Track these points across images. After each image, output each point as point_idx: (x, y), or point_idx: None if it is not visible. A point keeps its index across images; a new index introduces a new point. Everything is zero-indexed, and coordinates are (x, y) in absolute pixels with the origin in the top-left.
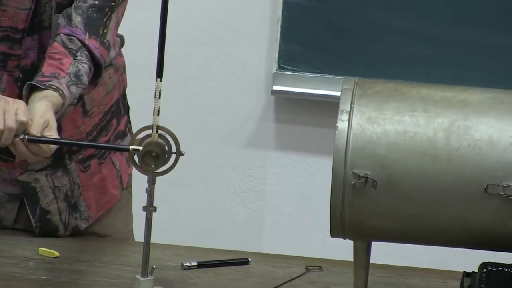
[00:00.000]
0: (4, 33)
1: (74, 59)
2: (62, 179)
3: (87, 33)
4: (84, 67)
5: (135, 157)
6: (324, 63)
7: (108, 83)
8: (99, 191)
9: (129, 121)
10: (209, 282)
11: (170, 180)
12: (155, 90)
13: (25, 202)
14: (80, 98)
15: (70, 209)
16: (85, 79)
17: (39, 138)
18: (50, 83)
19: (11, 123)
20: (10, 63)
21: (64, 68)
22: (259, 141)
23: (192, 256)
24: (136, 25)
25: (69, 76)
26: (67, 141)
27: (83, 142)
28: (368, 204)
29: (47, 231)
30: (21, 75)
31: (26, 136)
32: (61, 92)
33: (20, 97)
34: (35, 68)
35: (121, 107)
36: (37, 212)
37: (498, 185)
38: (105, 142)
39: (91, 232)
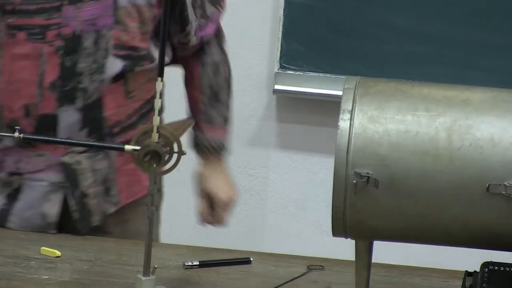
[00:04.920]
0: (38, 5)
1: None
2: (101, 162)
3: None
4: None
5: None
6: (326, 62)
7: (149, 71)
8: (133, 179)
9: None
10: (211, 281)
11: (171, 179)
12: (156, 90)
13: (66, 184)
14: (123, 75)
15: (103, 192)
16: None
17: (35, 137)
18: None
19: None
20: (49, 34)
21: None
22: (261, 140)
23: (194, 255)
24: None
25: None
26: (66, 140)
27: (82, 142)
28: (370, 204)
29: (84, 216)
30: (62, 44)
31: (22, 134)
32: None
33: (61, 66)
34: (77, 38)
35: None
36: (76, 195)
37: (500, 184)
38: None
39: (117, 221)
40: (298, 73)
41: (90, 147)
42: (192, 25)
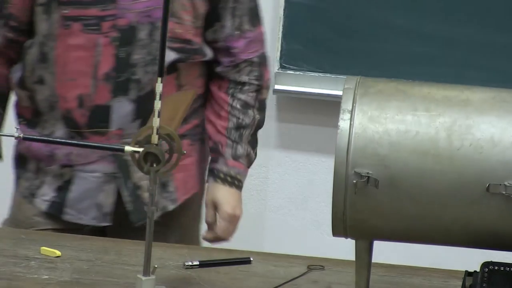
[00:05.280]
0: None
1: None
2: None
3: None
4: None
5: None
6: (326, 62)
7: (201, 66)
8: (188, 174)
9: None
10: (211, 281)
11: None
12: (156, 91)
13: (119, 175)
14: (175, 67)
15: (160, 187)
16: None
17: (35, 137)
18: None
19: None
20: (104, 25)
21: None
22: (261, 140)
23: (194, 255)
24: None
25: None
26: (66, 141)
27: (82, 142)
28: (370, 204)
29: (138, 208)
30: (117, 35)
31: (22, 134)
32: None
33: (116, 57)
34: (132, 29)
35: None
36: (129, 186)
37: (500, 184)
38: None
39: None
40: (298, 73)
41: (90, 147)
42: (224, 27)
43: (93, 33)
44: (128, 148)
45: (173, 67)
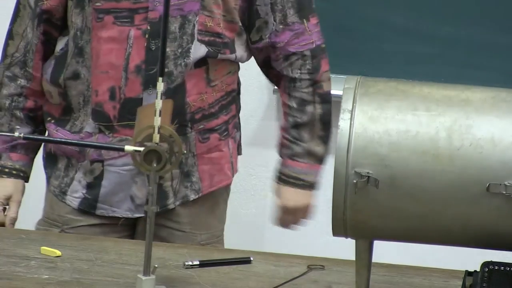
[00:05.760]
0: None
1: None
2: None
3: None
4: None
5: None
6: None
7: (231, 65)
8: (216, 168)
9: (239, 121)
10: (211, 281)
11: None
12: (157, 91)
13: None
14: (204, 61)
15: (182, 177)
16: None
17: (34, 137)
18: None
19: None
20: (137, 17)
21: None
22: (261, 140)
23: (194, 255)
24: None
25: None
26: (65, 140)
27: (82, 142)
28: (370, 203)
29: (157, 197)
30: (149, 27)
31: (22, 134)
32: None
33: (147, 50)
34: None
35: (237, 100)
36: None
37: (500, 184)
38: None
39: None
40: None
41: (90, 147)
42: (267, 23)
43: (124, 26)
44: (128, 147)
45: (203, 60)
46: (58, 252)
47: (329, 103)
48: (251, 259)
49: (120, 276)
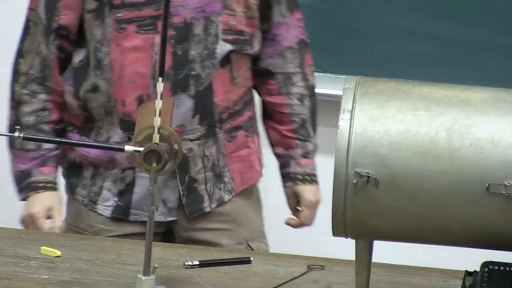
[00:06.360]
0: None
1: None
2: (211, 148)
3: None
4: None
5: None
6: (326, 62)
7: (249, 59)
8: (245, 165)
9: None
10: (211, 281)
11: None
12: (156, 91)
13: (176, 171)
14: (228, 59)
15: (215, 179)
16: None
17: (34, 137)
18: None
19: None
20: (160, 24)
21: None
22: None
23: (194, 255)
24: None
25: None
26: (65, 140)
27: (83, 142)
28: (370, 203)
29: (193, 201)
30: (173, 33)
31: (22, 134)
32: None
33: (174, 55)
34: (187, 25)
35: (253, 96)
36: (186, 180)
37: (500, 184)
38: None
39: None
40: None
41: (90, 147)
42: (273, 15)
43: (148, 33)
44: (128, 147)
45: (227, 59)
46: (58, 252)
47: (315, 96)
48: (251, 259)
49: (120, 276)
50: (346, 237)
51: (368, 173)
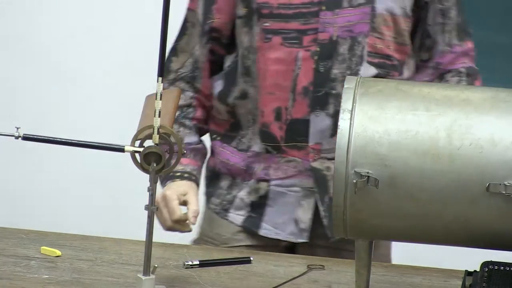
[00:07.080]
0: (295, 10)
1: None
2: None
3: None
4: None
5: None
6: None
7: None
8: None
9: None
10: (211, 281)
11: None
12: (156, 91)
13: (316, 190)
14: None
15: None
16: None
17: (34, 137)
18: None
19: None
20: (305, 39)
21: None
22: None
23: (194, 255)
24: (137, 25)
25: None
26: (65, 140)
27: (82, 142)
28: (370, 203)
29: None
30: (318, 49)
31: (22, 134)
32: None
33: (316, 72)
34: (333, 43)
35: None
36: (326, 200)
37: (500, 184)
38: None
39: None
40: None
41: (90, 147)
42: (437, 44)
43: (293, 47)
44: (128, 147)
45: None
46: (58, 252)
47: None
48: (251, 259)
49: (120, 276)
50: (346, 237)
51: (368, 173)
